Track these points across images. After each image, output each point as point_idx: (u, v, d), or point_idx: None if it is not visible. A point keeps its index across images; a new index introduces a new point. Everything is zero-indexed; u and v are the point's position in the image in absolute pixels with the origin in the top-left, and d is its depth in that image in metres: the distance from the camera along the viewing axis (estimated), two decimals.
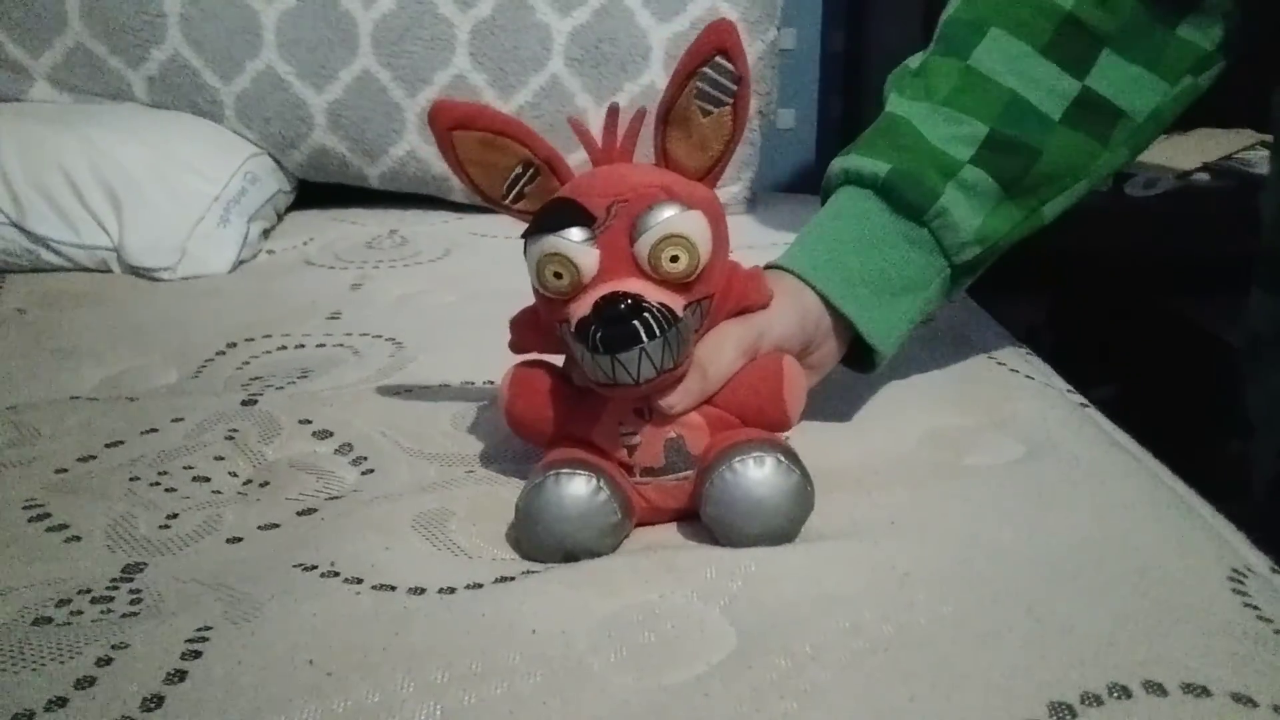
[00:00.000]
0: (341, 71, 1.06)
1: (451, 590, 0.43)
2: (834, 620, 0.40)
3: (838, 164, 0.58)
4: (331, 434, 0.59)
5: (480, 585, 0.44)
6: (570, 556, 0.46)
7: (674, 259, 0.45)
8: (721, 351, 0.49)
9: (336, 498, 0.53)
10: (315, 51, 1.05)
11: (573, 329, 0.45)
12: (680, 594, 0.42)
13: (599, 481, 0.46)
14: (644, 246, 0.45)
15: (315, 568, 0.45)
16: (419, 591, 0.43)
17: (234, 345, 0.74)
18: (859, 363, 0.58)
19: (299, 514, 0.51)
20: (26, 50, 1.05)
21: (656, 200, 0.45)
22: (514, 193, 0.49)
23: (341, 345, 0.74)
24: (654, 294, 0.45)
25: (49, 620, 0.41)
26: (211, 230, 0.93)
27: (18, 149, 0.92)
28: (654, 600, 0.42)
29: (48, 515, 0.50)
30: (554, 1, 1.07)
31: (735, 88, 0.47)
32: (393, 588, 0.44)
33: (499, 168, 0.49)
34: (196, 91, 1.06)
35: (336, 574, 0.45)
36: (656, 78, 1.07)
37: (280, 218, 1.08)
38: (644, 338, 0.43)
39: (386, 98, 1.06)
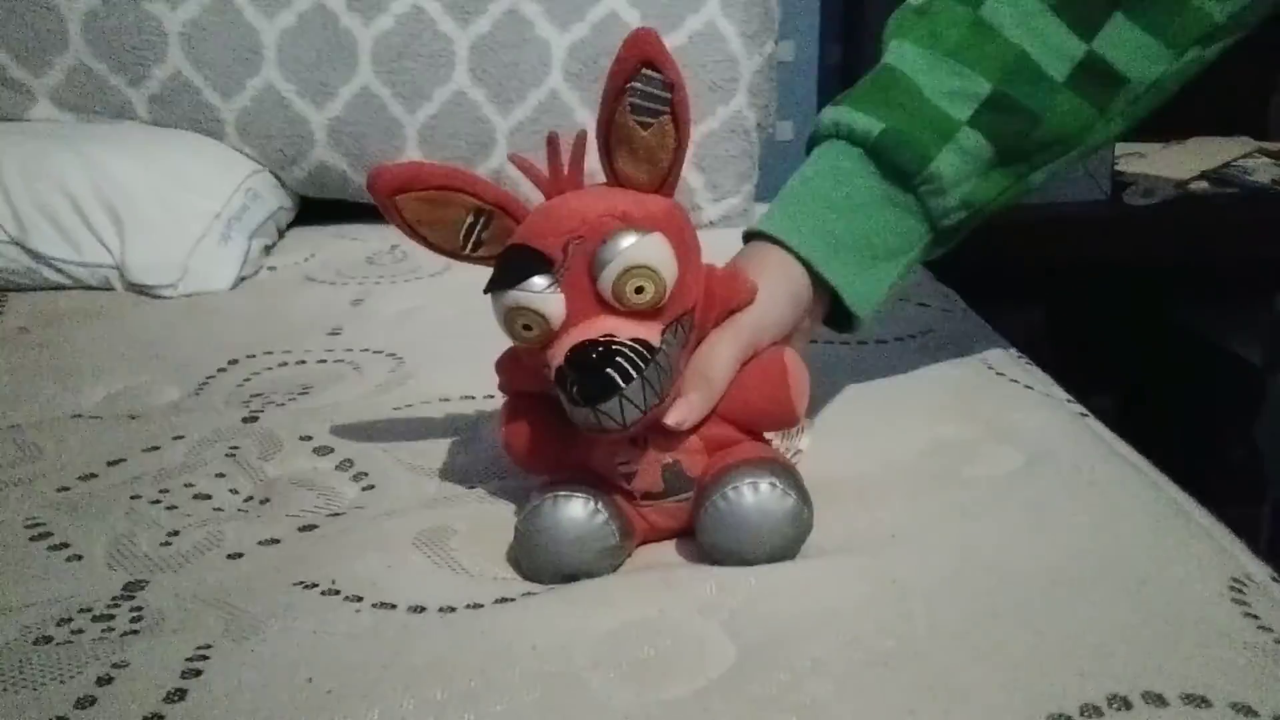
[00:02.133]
0: (342, 88, 1.06)
1: (452, 609, 0.43)
2: (834, 634, 0.40)
3: (829, 114, 0.56)
4: (332, 450, 0.59)
5: (480, 605, 0.44)
6: (569, 578, 0.46)
7: (639, 290, 0.44)
8: (719, 357, 0.48)
9: (337, 514, 0.53)
10: (315, 69, 1.05)
11: (552, 378, 0.44)
12: (680, 609, 0.42)
13: (597, 504, 0.46)
14: (606, 283, 0.44)
15: (316, 585, 0.45)
16: (419, 610, 0.43)
17: (235, 362, 0.74)
18: (838, 323, 0.58)
19: (300, 530, 0.51)
20: (28, 70, 1.06)
21: (612, 231, 0.44)
22: (471, 242, 0.48)
23: (342, 361, 0.74)
24: (627, 329, 0.44)
25: (50, 639, 0.42)
26: (213, 247, 0.93)
27: (19, 168, 0.92)
28: (653, 616, 0.42)
29: (49, 534, 0.50)
30: (553, 17, 1.07)
31: (669, 95, 0.46)
32: (393, 606, 0.44)
33: (450, 222, 0.48)
34: (197, 109, 1.06)
35: (337, 592, 0.45)
36: None
37: (281, 234, 1.08)
38: (621, 384, 0.42)
39: (387, 114, 1.06)
